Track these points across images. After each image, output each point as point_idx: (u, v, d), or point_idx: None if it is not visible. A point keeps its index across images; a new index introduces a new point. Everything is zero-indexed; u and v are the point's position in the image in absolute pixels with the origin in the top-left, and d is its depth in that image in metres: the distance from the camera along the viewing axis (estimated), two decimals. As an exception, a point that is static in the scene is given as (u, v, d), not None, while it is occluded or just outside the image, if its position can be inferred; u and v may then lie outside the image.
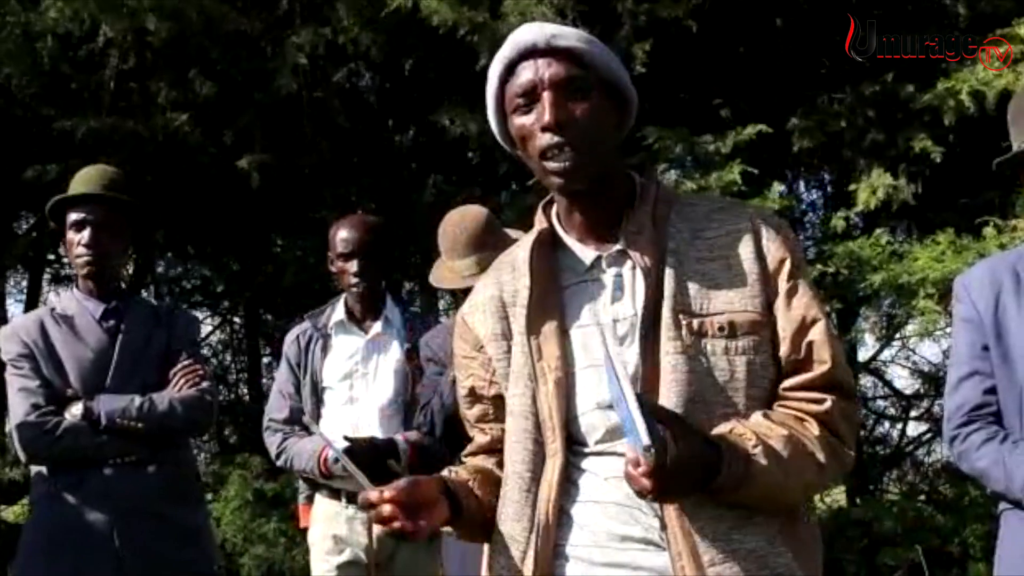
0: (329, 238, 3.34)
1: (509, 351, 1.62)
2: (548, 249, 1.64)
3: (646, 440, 1.31)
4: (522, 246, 1.67)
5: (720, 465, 1.41)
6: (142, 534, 2.82)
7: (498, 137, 1.67)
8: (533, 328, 1.58)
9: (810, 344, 1.53)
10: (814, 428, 1.50)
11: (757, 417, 1.50)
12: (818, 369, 1.53)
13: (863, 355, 7.58)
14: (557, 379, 1.55)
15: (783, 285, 1.54)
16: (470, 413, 1.73)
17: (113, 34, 5.20)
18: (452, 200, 4.96)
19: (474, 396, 1.71)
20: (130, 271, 7.35)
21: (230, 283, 8.01)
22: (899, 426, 8.21)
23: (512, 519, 1.58)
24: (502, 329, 1.64)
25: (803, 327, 1.53)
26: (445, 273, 3.00)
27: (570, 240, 1.63)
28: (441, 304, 7.14)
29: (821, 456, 1.50)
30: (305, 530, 3.46)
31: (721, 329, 1.51)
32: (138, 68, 5.79)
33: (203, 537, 3.07)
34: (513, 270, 1.65)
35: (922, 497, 7.05)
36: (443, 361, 3.01)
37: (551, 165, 1.54)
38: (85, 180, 2.98)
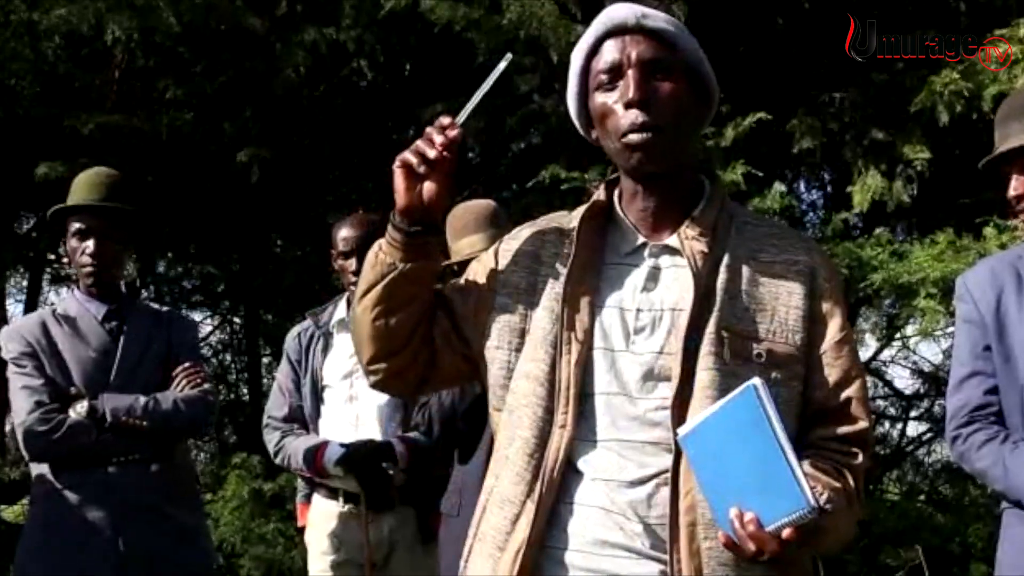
0: (331, 236, 3.35)
1: (528, 308, 1.60)
2: (600, 223, 1.62)
3: (813, 501, 1.32)
4: (576, 213, 1.65)
5: None
6: (144, 533, 2.83)
7: (574, 118, 1.66)
8: (569, 297, 1.56)
9: (850, 399, 1.55)
10: (851, 482, 1.52)
11: (809, 468, 1.48)
12: (856, 425, 1.55)
13: (863, 355, 7.57)
14: (581, 352, 1.54)
15: (835, 332, 1.55)
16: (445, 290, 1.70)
17: (119, 32, 5.19)
18: (452, 200, 4.96)
19: (446, 305, 1.66)
20: (130, 271, 7.34)
21: (230, 283, 8.00)
22: (899, 426, 8.21)
23: (511, 482, 1.56)
24: (527, 284, 1.62)
25: (847, 379, 1.55)
26: (452, 255, 3.05)
27: (624, 221, 1.62)
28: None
29: (855, 510, 1.52)
30: (303, 529, 3.46)
31: (759, 356, 1.51)
32: (143, 66, 5.79)
33: (202, 536, 3.09)
34: (561, 233, 1.64)
35: (922, 497, 7.05)
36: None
37: (632, 139, 1.53)
38: (87, 187, 2.97)
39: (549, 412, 1.55)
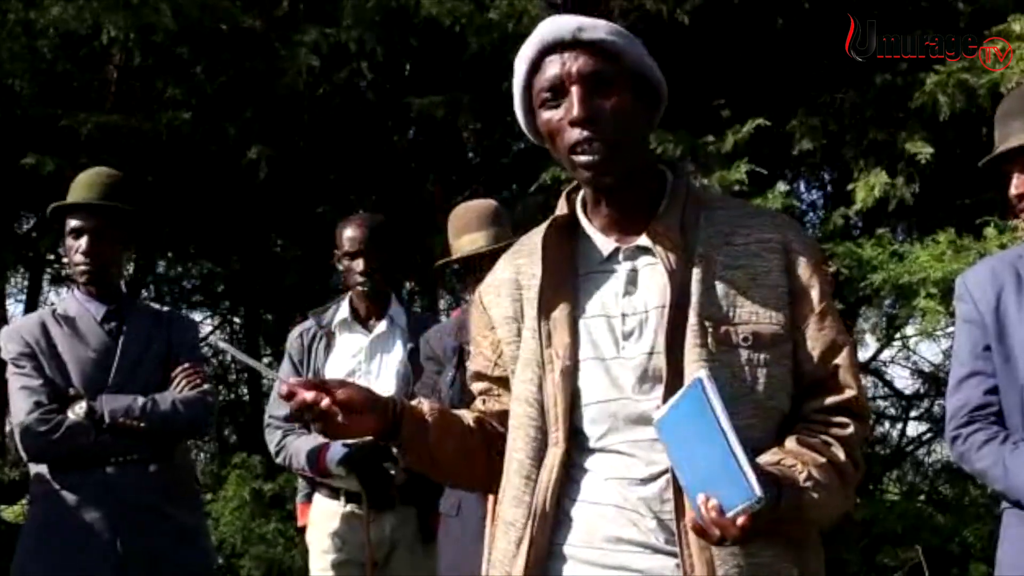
0: (336, 237, 3.35)
1: (519, 334, 1.62)
2: (566, 235, 1.62)
3: (759, 491, 1.32)
4: (540, 230, 1.65)
5: (780, 501, 1.40)
6: (143, 533, 2.83)
7: (526, 131, 1.65)
8: (544, 314, 1.57)
9: (837, 367, 1.54)
10: (840, 454, 1.50)
11: (794, 445, 1.49)
12: (845, 394, 1.54)
13: (863, 355, 7.58)
14: (564, 367, 1.54)
15: (816, 304, 1.54)
16: (474, 387, 1.75)
17: (116, 32, 5.19)
18: (453, 199, 4.96)
19: (478, 376, 1.73)
20: (130, 271, 7.34)
21: (230, 283, 8.01)
22: (899, 426, 8.20)
23: (512, 505, 1.57)
24: (514, 311, 1.63)
25: (833, 349, 1.54)
26: (453, 252, 3.06)
27: (591, 229, 1.62)
28: (442, 304, 7.14)
29: (848, 485, 1.51)
30: (303, 529, 3.46)
31: (745, 340, 1.50)
32: (142, 65, 5.78)
33: (202, 536, 3.09)
34: (531, 253, 1.64)
35: (922, 497, 7.05)
36: (441, 360, 3.02)
37: (580, 159, 1.52)
38: (85, 186, 2.97)
39: (542, 431, 1.56)
